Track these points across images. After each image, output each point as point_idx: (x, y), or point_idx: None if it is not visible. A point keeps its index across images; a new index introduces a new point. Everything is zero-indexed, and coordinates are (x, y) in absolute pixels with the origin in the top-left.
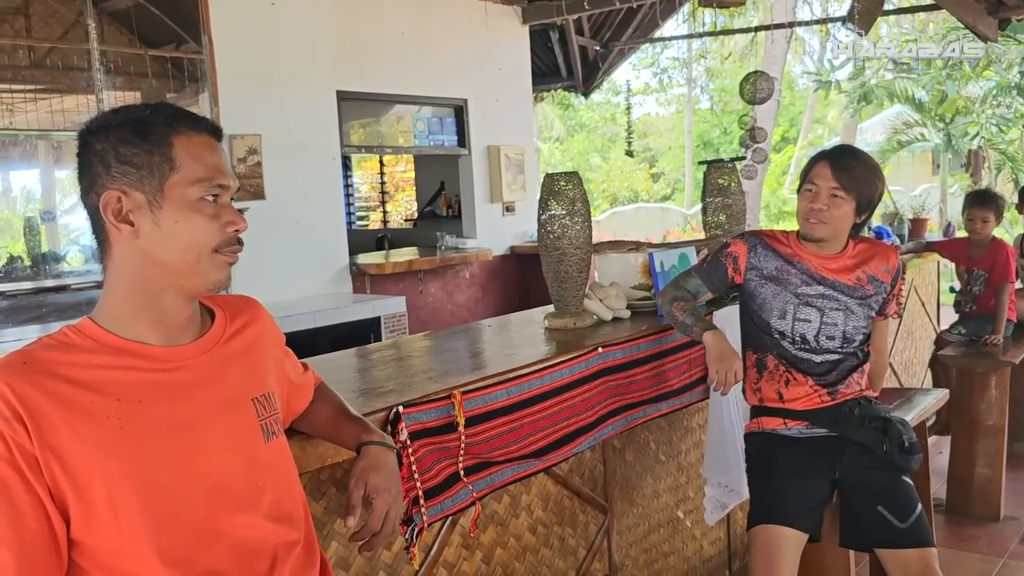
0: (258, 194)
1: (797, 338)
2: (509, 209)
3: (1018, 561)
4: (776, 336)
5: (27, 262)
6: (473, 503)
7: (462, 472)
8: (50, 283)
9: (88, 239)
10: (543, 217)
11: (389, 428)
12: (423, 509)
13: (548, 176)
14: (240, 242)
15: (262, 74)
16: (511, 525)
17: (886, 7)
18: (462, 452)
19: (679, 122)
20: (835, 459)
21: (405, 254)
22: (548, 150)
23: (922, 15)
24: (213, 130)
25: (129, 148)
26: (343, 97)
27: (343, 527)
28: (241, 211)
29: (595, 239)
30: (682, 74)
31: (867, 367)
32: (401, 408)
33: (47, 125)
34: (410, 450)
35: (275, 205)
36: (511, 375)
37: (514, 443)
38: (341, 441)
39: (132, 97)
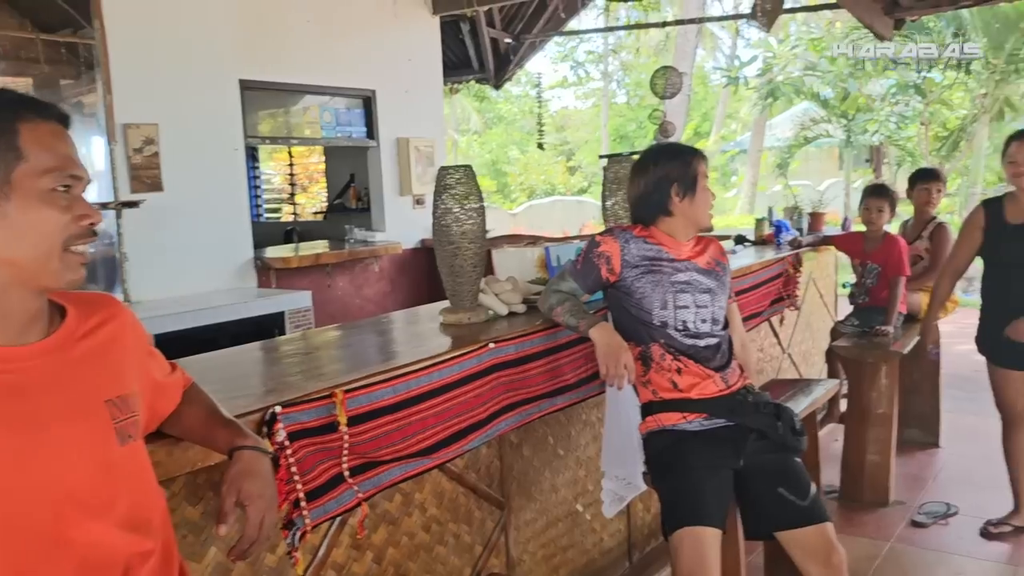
0: (155, 186)
1: (680, 325)
2: (419, 202)
3: (904, 544)
4: (659, 326)
5: None
6: (359, 504)
7: (347, 473)
8: None
9: None
10: (437, 212)
11: (265, 429)
12: (305, 512)
13: (441, 170)
14: (95, 234)
15: (160, 62)
16: (403, 523)
17: (789, 5)
18: (346, 452)
19: (596, 116)
20: (739, 449)
21: (314, 247)
22: (466, 143)
23: (828, 14)
24: (61, 117)
25: None
26: (246, 86)
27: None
28: (135, 203)
29: (512, 231)
30: (598, 68)
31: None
32: (278, 408)
33: None
34: (288, 451)
35: (174, 197)
36: (398, 372)
37: (401, 441)
38: (213, 445)
39: (22, 84)
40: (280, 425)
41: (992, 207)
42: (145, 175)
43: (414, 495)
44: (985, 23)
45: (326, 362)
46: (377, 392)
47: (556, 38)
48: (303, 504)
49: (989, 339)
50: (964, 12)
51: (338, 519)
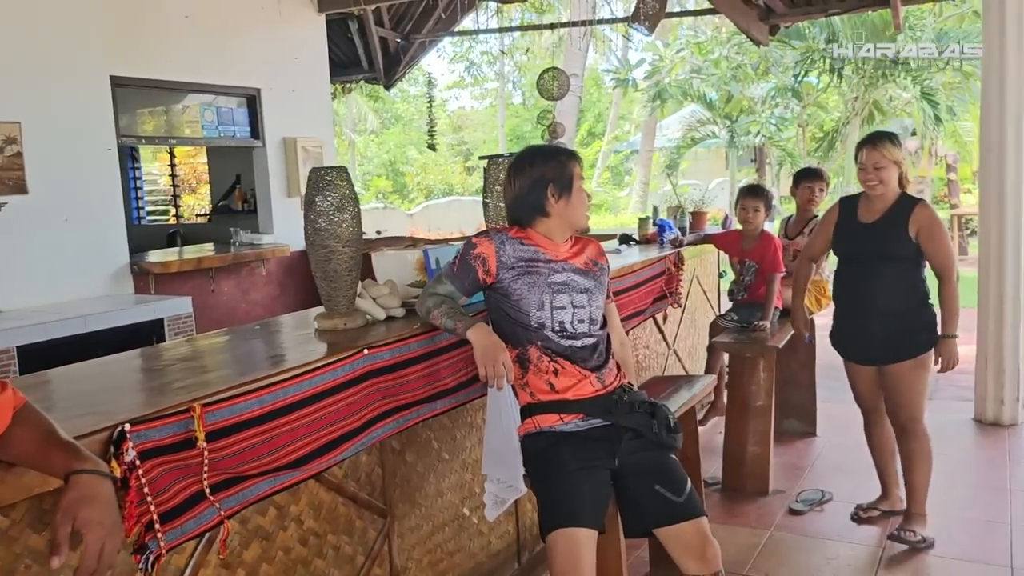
0: (19, 188)
1: (556, 326)
2: None
3: (783, 532)
4: (536, 327)
5: None
6: (221, 522)
7: (207, 490)
8: None
9: None
10: (310, 214)
11: (112, 449)
12: (159, 534)
13: (313, 171)
14: None
15: (22, 55)
16: (278, 538)
17: (671, 9)
18: (206, 469)
19: (493, 116)
20: (614, 448)
21: (197, 251)
22: (363, 143)
23: (715, 19)
24: None
25: None
26: (119, 83)
27: (70, 562)
28: None
29: (409, 232)
30: (493, 69)
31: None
32: (128, 426)
33: None
34: (140, 471)
35: (40, 200)
36: (264, 382)
37: (269, 455)
38: (47, 469)
39: None
40: (129, 444)
41: (847, 204)
42: (7, 176)
43: (289, 508)
44: (854, 29)
45: (190, 373)
46: (241, 404)
47: (450, 38)
48: (157, 526)
49: (841, 336)
50: (835, 19)
51: (205, 538)
